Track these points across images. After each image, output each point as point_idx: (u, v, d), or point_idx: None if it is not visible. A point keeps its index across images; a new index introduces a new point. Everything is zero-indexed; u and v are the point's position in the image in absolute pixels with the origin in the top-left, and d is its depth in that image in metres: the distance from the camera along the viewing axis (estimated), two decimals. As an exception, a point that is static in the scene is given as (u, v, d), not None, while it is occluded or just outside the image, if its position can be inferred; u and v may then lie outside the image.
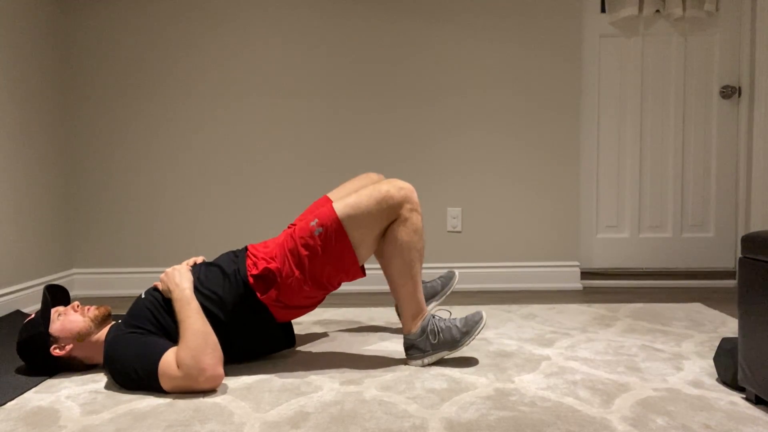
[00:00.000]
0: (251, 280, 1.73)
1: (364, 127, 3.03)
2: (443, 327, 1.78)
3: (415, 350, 1.80)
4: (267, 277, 1.73)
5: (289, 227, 1.92)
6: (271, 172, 3.04)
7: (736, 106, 3.12)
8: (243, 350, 1.80)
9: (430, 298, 2.19)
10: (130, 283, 3.04)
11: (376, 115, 3.03)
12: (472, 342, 1.80)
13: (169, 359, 1.56)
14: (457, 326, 1.78)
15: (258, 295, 1.73)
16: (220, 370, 1.58)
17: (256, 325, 1.76)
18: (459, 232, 3.06)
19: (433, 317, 1.81)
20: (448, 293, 2.23)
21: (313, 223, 1.73)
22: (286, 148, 3.04)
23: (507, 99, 3.02)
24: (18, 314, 2.50)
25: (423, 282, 2.19)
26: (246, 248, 1.85)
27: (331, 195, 2.04)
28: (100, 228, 3.05)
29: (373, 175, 2.13)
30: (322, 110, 3.03)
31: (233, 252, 1.86)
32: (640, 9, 3.05)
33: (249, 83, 3.01)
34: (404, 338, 1.82)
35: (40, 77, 2.81)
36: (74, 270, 3.06)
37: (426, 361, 1.79)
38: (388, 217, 1.75)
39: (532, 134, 3.03)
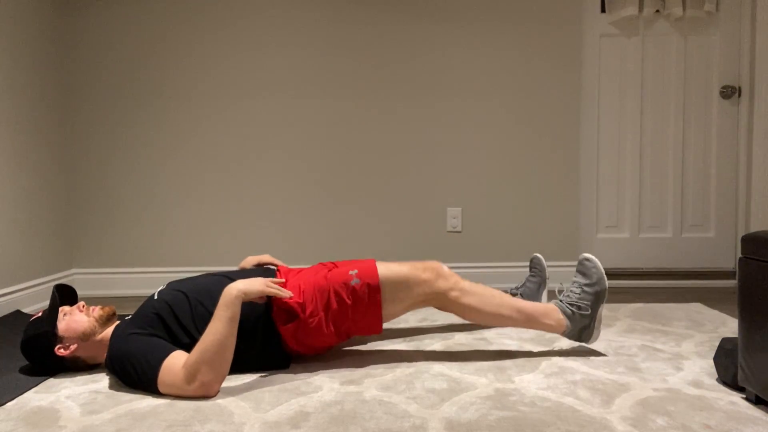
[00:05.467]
0: (274, 308, 1.72)
1: (366, 128, 3.03)
2: (578, 297, 1.83)
3: (582, 332, 1.84)
4: (290, 311, 1.72)
5: (321, 265, 1.90)
6: (273, 173, 3.04)
7: (736, 106, 3.12)
8: (238, 362, 1.72)
9: (538, 288, 2.30)
10: (130, 283, 3.04)
11: (378, 116, 3.03)
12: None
13: (169, 364, 1.55)
14: (583, 284, 1.82)
15: (277, 324, 1.72)
16: (217, 387, 1.56)
17: (264, 345, 1.74)
18: (459, 232, 3.06)
19: (561, 301, 1.86)
20: (547, 273, 2.33)
21: (352, 272, 1.75)
22: (288, 149, 3.04)
23: (507, 98, 3.03)
24: (18, 314, 2.50)
25: (522, 286, 2.34)
26: (277, 270, 1.85)
27: None
28: (100, 228, 3.05)
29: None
30: (322, 111, 3.03)
31: (264, 269, 1.85)
32: (640, 9, 3.05)
33: (248, 85, 3.01)
34: (566, 336, 1.86)
35: (41, 78, 2.81)
36: (74, 270, 3.06)
37: (596, 326, 1.83)
38: (424, 294, 1.78)
39: (532, 134, 3.03)
